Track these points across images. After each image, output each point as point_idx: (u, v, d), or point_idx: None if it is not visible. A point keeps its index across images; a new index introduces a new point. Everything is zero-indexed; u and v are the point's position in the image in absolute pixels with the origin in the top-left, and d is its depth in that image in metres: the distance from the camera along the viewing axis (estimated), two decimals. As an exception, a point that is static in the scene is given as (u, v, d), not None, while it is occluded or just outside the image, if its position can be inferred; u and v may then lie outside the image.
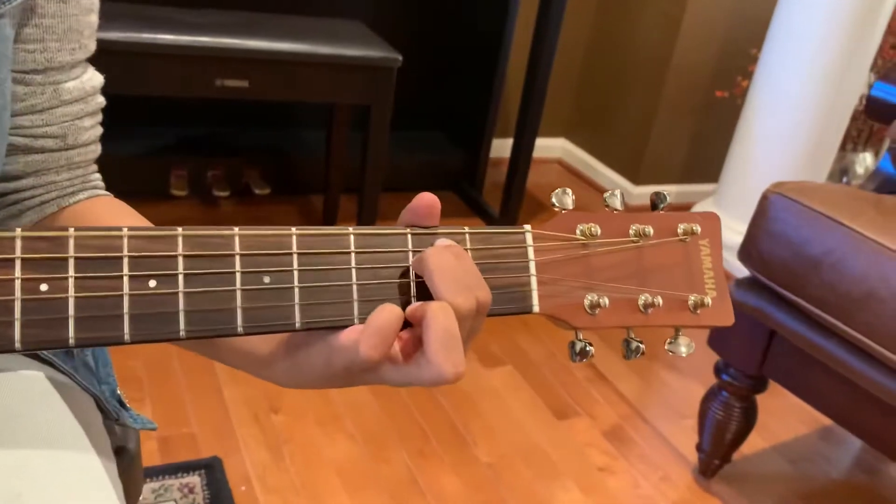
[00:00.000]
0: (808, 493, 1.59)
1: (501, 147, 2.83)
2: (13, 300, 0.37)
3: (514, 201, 2.37)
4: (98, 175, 0.61)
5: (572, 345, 0.48)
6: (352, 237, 0.43)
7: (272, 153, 2.40)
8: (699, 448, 1.53)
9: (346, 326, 0.43)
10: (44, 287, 0.38)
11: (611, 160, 2.97)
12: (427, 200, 0.44)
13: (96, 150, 0.60)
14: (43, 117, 0.55)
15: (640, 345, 0.49)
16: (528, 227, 0.47)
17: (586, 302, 0.48)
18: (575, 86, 3.08)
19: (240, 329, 0.41)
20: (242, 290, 0.41)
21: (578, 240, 0.48)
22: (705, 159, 2.87)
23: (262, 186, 2.28)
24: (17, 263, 0.37)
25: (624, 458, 1.59)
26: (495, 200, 2.51)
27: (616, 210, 0.49)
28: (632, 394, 1.80)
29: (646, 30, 2.76)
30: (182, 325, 0.40)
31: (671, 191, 2.89)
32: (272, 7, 1.98)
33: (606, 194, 0.49)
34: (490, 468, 1.50)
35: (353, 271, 0.43)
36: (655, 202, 0.51)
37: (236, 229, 0.41)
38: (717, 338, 1.43)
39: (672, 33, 2.63)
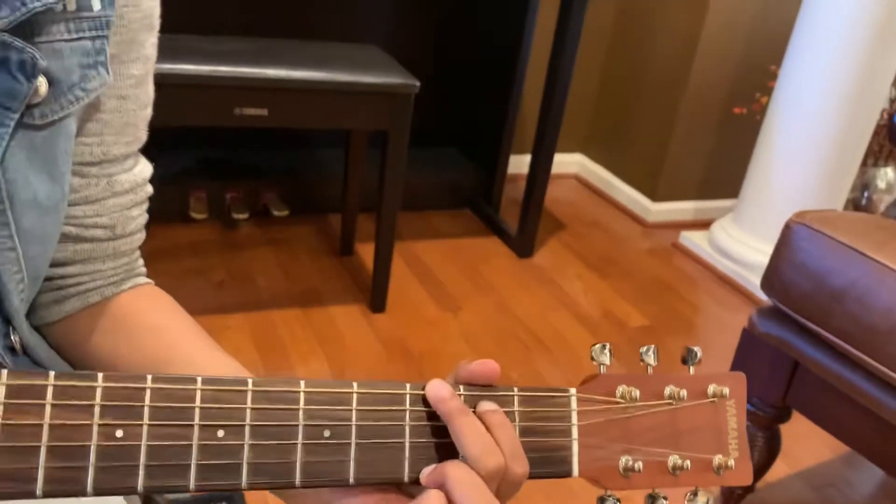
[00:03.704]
0: (833, 521, 1.57)
1: (518, 163, 2.83)
2: (89, 446, 0.38)
3: (531, 218, 2.37)
4: (141, 261, 0.62)
5: (601, 500, 0.50)
6: (408, 396, 0.45)
7: (290, 174, 2.42)
8: (721, 476, 1.51)
9: (395, 482, 0.45)
10: (119, 433, 0.39)
11: (628, 176, 2.96)
12: (489, 370, 0.47)
13: (141, 237, 0.61)
14: (95, 208, 0.56)
15: (665, 501, 0.51)
16: (573, 390, 0.50)
17: (621, 465, 0.50)
18: (592, 101, 3.07)
19: (297, 483, 0.42)
20: (303, 443, 0.43)
21: (619, 403, 0.50)
22: (723, 176, 2.85)
23: (281, 208, 2.29)
24: (96, 410, 0.39)
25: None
26: (512, 217, 2.51)
27: (651, 366, 0.52)
28: None
29: (663, 46, 2.75)
30: (244, 477, 0.41)
31: (689, 207, 2.88)
32: (288, 33, 1.99)
33: (643, 350, 0.52)
34: None
35: (407, 428, 0.45)
36: (686, 358, 0.53)
37: (302, 384, 0.43)
38: (741, 367, 1.42)
39: (690, 50, 2.62)
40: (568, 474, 0.49)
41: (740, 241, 2.48)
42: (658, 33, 2.77)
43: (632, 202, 2.91)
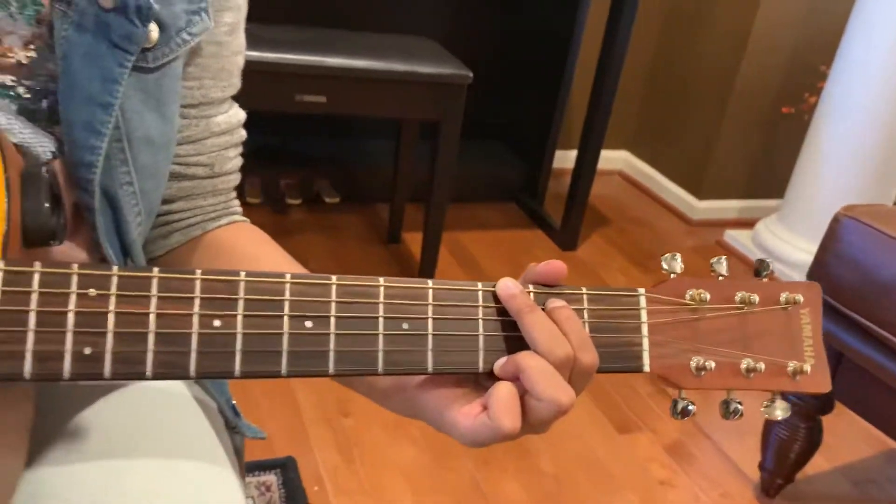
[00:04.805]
0: (873, 517, 1.58)
1: (563, 158, 2.86)
2: (190, 333, 0.42)
3: (575, 213, 2.40)
4: (237, 201, 0.67)
5: (675, 403, 0.51)
6: (480, 293, 0.48)
7: (341, 163, 2.48)
8: (762, 467, 1.54)
9: (471, 372, 0.47)
10: (217, 323, 0.43)
11: (673, 173, 2.97)
12: (557, 268, 0.49)
13: (237, 178, 0.66)
14: (195, 147, 0.61)
15: (740, 406, 0.52)
16: (642, 290, 0.51)
17: (693, 364, 0.51)
18: (638, 98, 3.08)
19: (380, 370, 0.45)
20: (384, 334, 0.45)
21: (688, 304, 0.51)
22: (770, 175, 2.85)
23: (332, 195, 2.36)
24: (196, 302, 0.43)
25: (685, 473, 1.60)
26: (556, 211, 2.54)
27: (722, 276, 0.52)
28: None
29: (712, 44, 2.76)
30: (331, 364, 0.45)
31: (733, 206, 2.88)
32: (346, 24, 2.05)
33: (714, 261, 0.53)
34: (552, 478, 1.53)
35: (480, 323, 0.47)
36: (759, 269, 0.54)
37: (381, 280, 0.46)
38: (783, 358, 1.44)
39: (738, 49, 2.63)
40: (639, 369, 0.50)
41: (785, 241, 2.48)
42: (707, 31, 2.78)
43: (676, 199, 2.92)
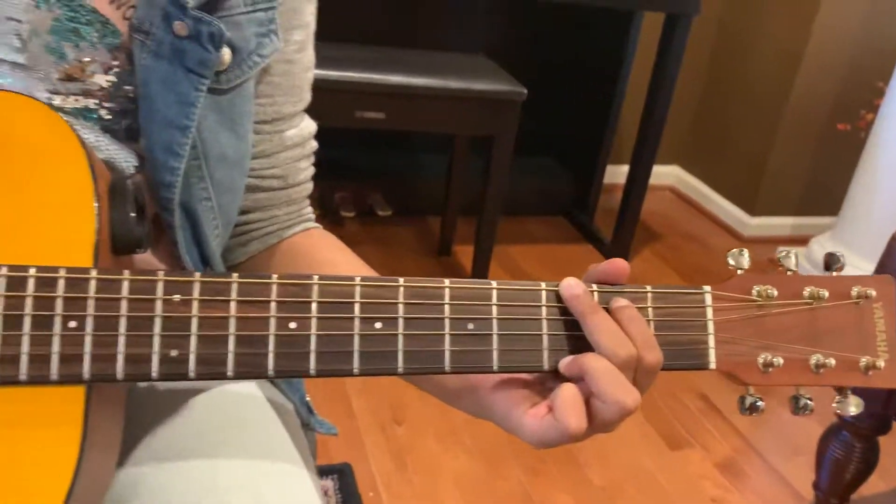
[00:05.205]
0: (931, 540, 1.56)
1: (613, 173, 2.87)
2: (268, 335, 0.45)
3: (626, 228, 2.40)
4: (310, 208, 0.70)
5: (742, 399, 0.51)
6: (543, 293, 0.49)
7: (394, 177, 2.53)
8: (816, 486, 1.52)
9: (535, 371, 0.49)
10: (292, 325, 0.46)
11: (725, 189, 2.95)
12: (620, 267, 0.50)
13: (309, 187, 0.69)
14: (269, 161, 0.64)
15: (810, 402, 0.51)
16: (707, 287, 0.51)
17: (760, 360, 0.50)
18: (690, 114, 3.08)
19: (447, 368, 0.47)
20: (450, 334, 0.47)
21: (755, 301, 0.51)
22: (824, 192, 2.82)
23: (385, 208, 2.41)
24: (273, 305, 0.46)
25: (738, 491, 1.60)
26: (606, 226, 2.55)
27: (790, 270, 0.52)
28: (745, 428, 1.80)
29: (766, 59, 2.75)
30: (400, 363, 0.47)
31: (786, 223, 2.85)
32: (404, 42, 2.10)
33: (781, 254, 0.52)
34: (603, 491, 1.54)
35: (544, 323, 0.48)
36: (829, 263, 0.53)
37: (447, 281, 0.48)
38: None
39: (793, 65, 2.61)
40: (705, 367, 0.50)
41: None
42: (761, 46, 2.77)
43: (728, 216, 2.90)
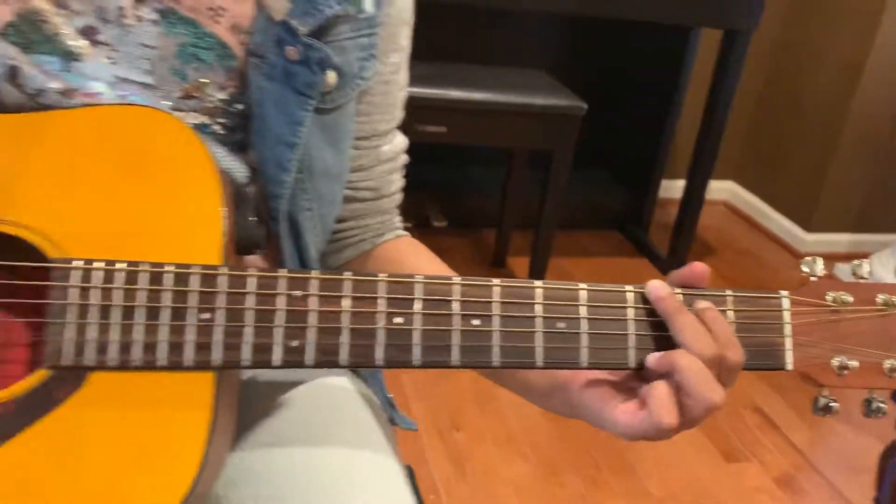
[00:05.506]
0: None
1: (667, 188, 2.87)
2: (377, 329, 0.50)
3: (682, 243, 2.41)
4: (399, 217, 0.75)
5: (816, 400, 0.54)
6: (629, 294, 0.52)
7: (450, 188, 2.58)
8: (877, 502, 1.51)
9: (622, 368, 0.52)
10: (398, 319, 0.50)
11: (781, 205, 2.93)
12: (700, 271, 0.53)
13: (400, 197, 0.74)
14: (365, 174, 0.69)
15: (883, 405, 0.54)
16: (785, 292, 0.54)
17: (835, 363, 0.53)
18: (745, 128, 3.06)
19: (540, 363, 0.51)
20: (543, 332, 0.51)
21: (830, 306, 0.53)
22: (884, 209, 2.78)
23: (440, 219, 2.45)
24: (381, 301, 0.50)
25: (795, 505, 1.59)
26: (660, 241, 2.56)
27: (863, 278, 0.55)
28: (803, 444, 1.79)
29: (824, 74, 2.73)
30: (496, 357, 0.50)
31: (844, 239, 2.82)
32: (464, 57, 2.15)
33: (855, 264, 0.55)
34: (660, 501, 1.55)
35: (631, 323, 0.52)
36: None
37: (538, 283, 0.52)
38: (902, 393, 1.42)
39: (853, 78, 2.59)
40: (782, 367, 0.53)
41: (903, 277, 2.42)
42: (819, 60, 2.75)
43: (784, 231, 2.88)
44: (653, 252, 2.56)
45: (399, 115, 0.71)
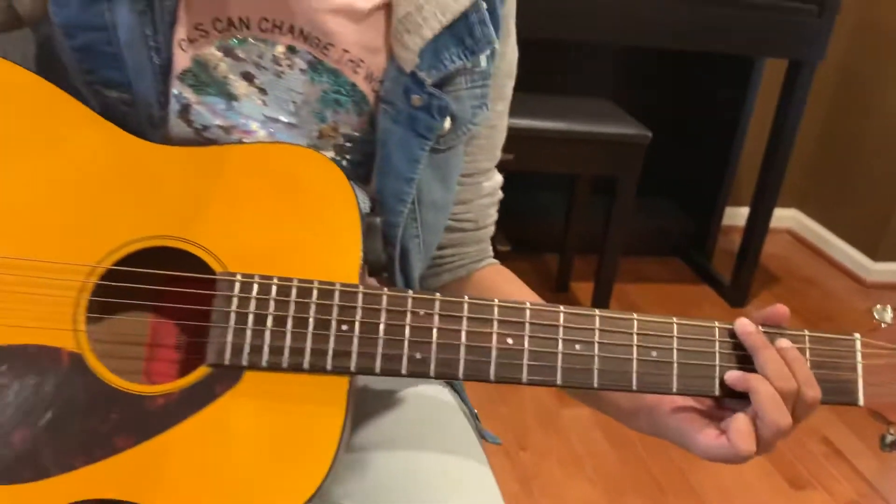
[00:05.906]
0: None
1: (731, 215, 2.88)
2: (491, 347, 0.56)
3: (746, 270, 2.41)
4: (491, 247, 0.82)
5: (883, 437, 0.59)
6: (717, 329, 0.59)
7: (513, 213, 2.62)
8: (948, 535, 1.50)
9: (708, 396, 0.58)
10: (510, 340, 0.57)
11: (846, 233, 2.91)
12: (782, 312, 0.59)
13: (493, 229, 0.81)
14: (466, 207, 0.76)
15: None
16: (857, 335, 0.60)
17: None
18: (809, 156, 3.05)
19: (634, 387, 0.57)
20: (637, 359, 0.57)
21: None
22: (955, 238, 2.74)
23: (504, 243, 2.50)
24: (495, 323, 0.57)
25: (863, 535, 1.59)
26: (722, 268, 2.56)
27: None
28: (870, 473, 1.78)
29: (891, 102, 2.71)
30: (595, 379, 0.57)
31: (914, 269, 2.78)
32: (531, 87, 2.22)
33: None
34: (725, 527, 1.57)
35: (717, 355, 0.58)
36: None
37: (635, 315, 0.58)
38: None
39: (922, 109, 2.57)
40: (854, 403, 0.59)
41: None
42: (886, 89, 2.74)
43: (849, 260, 2.85)
44: (716, 279, 2.57)
45: (498, 154, 0.78)
